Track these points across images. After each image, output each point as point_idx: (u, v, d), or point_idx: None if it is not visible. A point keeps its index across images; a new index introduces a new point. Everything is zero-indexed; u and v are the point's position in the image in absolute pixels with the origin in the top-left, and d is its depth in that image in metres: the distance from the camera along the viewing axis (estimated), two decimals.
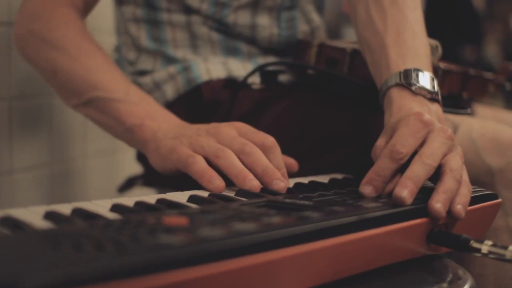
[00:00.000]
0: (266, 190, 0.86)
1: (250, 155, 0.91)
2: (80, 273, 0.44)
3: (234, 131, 0.95)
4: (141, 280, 0.46)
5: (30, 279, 0.41)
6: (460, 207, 0.78)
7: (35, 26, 1.11)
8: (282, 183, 0.88)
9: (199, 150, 0.92)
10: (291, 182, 0.92)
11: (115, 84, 1.07)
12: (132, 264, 0.46)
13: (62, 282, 0.42)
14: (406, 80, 0.94)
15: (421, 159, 0.80)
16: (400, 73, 0.95)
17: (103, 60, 1.10)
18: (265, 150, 0.93)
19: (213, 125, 0.97)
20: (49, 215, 0.64)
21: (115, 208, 0.69)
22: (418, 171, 0.79)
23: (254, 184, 0.87)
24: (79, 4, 1.16)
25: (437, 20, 4.95)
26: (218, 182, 0.86)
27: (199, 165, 0.89)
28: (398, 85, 0.95)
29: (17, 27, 1.15)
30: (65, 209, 0.67)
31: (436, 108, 0.94)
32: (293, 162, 1.03)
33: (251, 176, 0.88)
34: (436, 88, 0.96)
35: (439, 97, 0.96)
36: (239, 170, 0.89)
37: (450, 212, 0.78)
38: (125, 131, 1.05)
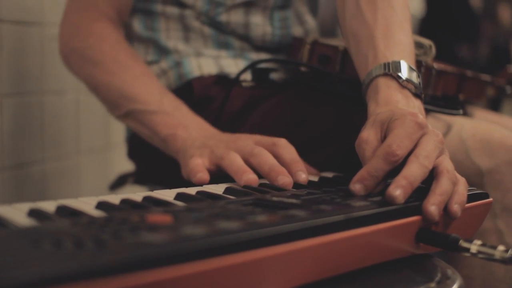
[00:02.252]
0: (253, 188, 0.86)
1: (257, 156, 0.95)
2: (59, 271, 0.43)
3: (250, 141, 1.00)
4: (121, 279, 0.46)
5: (7, 277, 0.41)
6: (457, 207, 0.78)
7: (74, 44, 1.18)
8: (288, 178, 0.90)
9: (213, 158, 0.99)
10: None
11: (150, 96, 1.12)
12: (112, 262, 0.46)
13: (39, 281, 0.42)
14: (395, 71, 0.94)
15: (418, 160, 0.79)
16: (388, 63, 0.95)
17: (139, 71, 1.15)
18: (277, 147, 0.97)
19: (233, 137, 1.02)
20: (33, 213, 0.63)
21: (100, 205, 0.69)
22: (415, 172, 0.77)
23: (250, 177, 0.90)
24: (113, 16, 1.21)
25: (434, 19, 4.95)
26: (201, 176, 0.95)
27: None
28: (386, 75, 0.95)
29: (61, 45, 1.22)
30: (49, 206, 0.67)
31: (418, 104, 0.94)
32: (312, 170, 1.03)
33: (249, 170, 0.92)
34: (421, 85, 0.96)
35: (422, 94, 0.96)
36: (238, 166, 0.93)
37: (446, 211, 0.77)
38: (161, 142, 1.10)
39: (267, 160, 0.94)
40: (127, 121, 1.15)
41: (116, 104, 1.14)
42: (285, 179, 0.90)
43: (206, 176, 0.95)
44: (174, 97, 1.13)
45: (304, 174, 0.94)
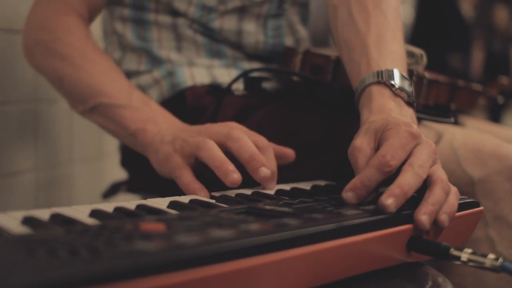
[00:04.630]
0: (247, 196, 0.87)
1: (236, 140, 0.93)
2: (53, 279, 0.43)
3: (224, 127, 0.97)
4: (115, 287, 0.46)
5: (1, 285, 0.41)
6: (445, 216, 0.78)
7: (41, 36, 1.15)
8: (268, 170, 0.90)
9: (187, 150, 0.96)
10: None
11: (118, 90, 1.09)
12: (106, 270, 0.46)
13: None
14: (388, 79, 0.95)
15: (412, 169, 0.79)
16: (381, 72, 0.96)
17: (107, 66, 1.13)
18: (251, 134, 0.96)
19: (205, 126, 1.00)
20: (27, 220, 0.64)
21: (94, 213, 0.69)
22: (410, 181, 0.78)
23: (235, 177, 0.89)
24: (83, 12, 1.19)
25: (425, 28, 4.96)
26: (203, 195, 0.90)
27: (185, 178, 0.94)
28: (379, 83, 0.96)
29: (25, 37, 1.18)
30: (43, 214, 0.67)
31: (411, 112, 0.95)
32: (290, 152, 1.04)
33: (232, 167, 0.90)
34: (413, 93, 0.97)
35: (415, 103, 0.97)
36: (221, 161, 0.91)
37: (434, 220, 0.78)
38: (129, 136, 1.08)
39: (247, 146, 0.92)
40: (93, 116, 1.12)
41: (82, 98, 1.11)
42: (265, 172, 0.89)
43: (207, 194, 0.91)
44: (142, 93, 1.11)
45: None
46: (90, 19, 1.22)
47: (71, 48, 1.12)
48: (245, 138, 0.93)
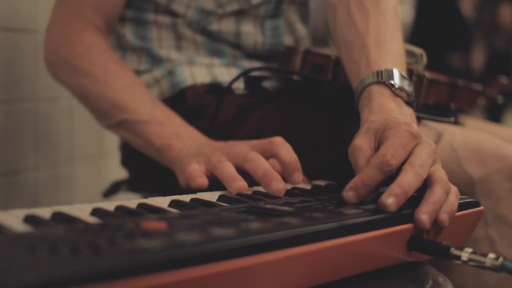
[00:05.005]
0: (248, 195, 0.87)
1: (251, 161, 0.95)
2: (55, 276, 0.44)
3: (246, 147, 1.00)
4: (116, 284, 0.46)
5: (3, 283, 0.41)
6: (445, 216, 0.78)
7: (62, 53, 1.16)
8: (281, 184, 0.90)
9: (208, 166, 0.99)
10: None
11: (142, 105, 1.11)
12: (107, 268, 0.46)
13: (36, 286, 0.42)
14: (388, 79, 0.95)
15: (412, 168, 0.79)
16: (381, 71, 0.96)
17: (130, 81, 1.14)
18: (273, 147, 0.98)
19: (228, 144, 1.02)
20: (28, 219, 0.64)
21: (95, 212, 0.69)
22: (410, 180, 0.78)
23: (239, 184, 0.91)
24: (101, 25, 1.20)
25: (425, 28, 4.96)
26: (200, 180, 0.96)
27: (192, 169, 0.98)
28: (379, 83, 0.96)
29: (46, 52, 1.20)
30: (45, 212, 0.67)
31: (411, 112, 0.95)
32: (305, 180, 1.03)
33: (239, 178, 0.92)
34: (413, 93, 0.97)
35: (414, 102, 0.97)
36: (229, 174, 0.94)
37: (435, 219, 0.78)
38: (155, 151, 1.09)
39: (261, 164, 0.94)
40: (119, 131, 1.14)
41: (107, 114, 1.13)
42: (278, 185, 0.90)
43: (205, 180, 0.95)
44: (166, 107, 1.12)
45: (300, 175, 0.96)
46: (108, 30, 1.23)
47: (93, 65, 1.14)
48: (259, 159, 0.96)
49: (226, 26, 1.25)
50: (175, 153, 1.05)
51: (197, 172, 0.97)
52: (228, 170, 0.95)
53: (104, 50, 1.16)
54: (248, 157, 0.96)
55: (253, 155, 0.96)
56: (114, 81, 1.12)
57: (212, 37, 1.25)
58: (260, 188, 0.94)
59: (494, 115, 5.01)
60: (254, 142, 1.01)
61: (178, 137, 1.07)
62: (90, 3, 1.18)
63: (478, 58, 5.51)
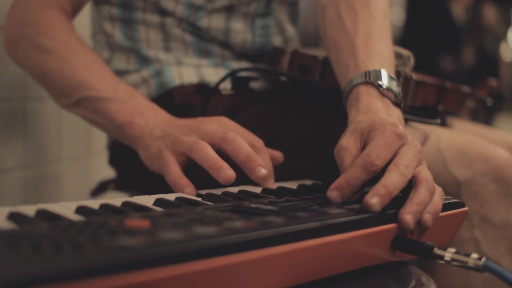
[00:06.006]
0: (233, 195, 0.87)
1: (232, 142, 0.93)
2: (36, 273, 0.44)
3: (217, 125, 0.97)
4: (98, 281, 0.46)
5: None
6: (428, 216, 0.78)
7: (24, 30, 1.13)
8: (265, 170, 0.90)
9: (179, 149, 0.96)
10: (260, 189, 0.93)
11: (103, 83, 1.09)
12: (89, 265, 0.47)
13: (17, 282, 0.43)
14: (375, 79, 0.95)
15: (397, 169, 0.79)
16: (369, 72, 0.96)
17: (92, 59, 1.12)
18: (246, 134, 0.97)
19: (197, 121, 1.00)
20: (12, 216, 0.64)
21: (80, 210, 0.70)
22: (395, 180, 0.78)
23: (228, 174, 0.89)
24: (66, 7, 1.18)
25: (416, 31, 4.97)
26: (189, 191, 0.91)
27: (173, 174, 0.94)
28: (366, 83, 0.96)
29: (7, 31, 1.16)
30: (29, 210, 0.67)
31: (398, 113, 0.96)
32: (278, 154, 1.04)
33: (225, 166, 0.90)
34: (401, 94, 0.97)
35: (402, 103, 0.97)
36: (213, 160, 0.91)
37: (419, 219, 0.78)
38: (116, 129, 1.07)
39: (243, 148, 0.92)
40: (78, 110, 1.11)
41: (67, 92, 1.10)
42: (263, 172, 0.90)
43: (194, 191, 0.91)
44: (128, 85, 1.11)
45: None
46: (73, 14, 1.20)
47: (55, 42, 1.11)
48: (240, 140, 0.94)
49: (216, 23, 1.25)
50: (137, 131, 1.04)
51: (182, 180, 0.93)
52: (209, 154, 0.92)
53: (68, 29, 1.14)
54: (227, 137, 0.94)
55: (233, 136, 0.94)
56: (76, 59, 1.10)
57: (201, 35, 1.25)
58: (249, 188, 0.94)
59: (483, 117, 5.02)
60: (228, 122, 1.00)
61: (140, 114, 1.05)
62: None
63: (468, 60, 5.52)
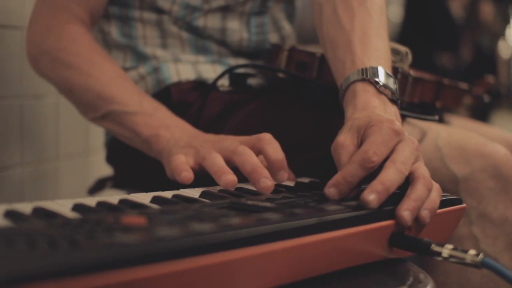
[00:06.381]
0: (231, 192, 0.87)
1: (240, 154, 0.94)
2: (32, 270, 0.44)
3: (235, 141, 0.99)
4: (94, 278, 0.46)
5: None
6: (426, 212, 0.78)
7: (46, 46, 1.15)
8: (270, 182, 0.90)
9: (197, 159, 0.99)
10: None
11: (129, 97, 1.10)
12: (85, 262, 0.46)
13: (13, 279, 0.42)
14: (372, 76, 0.95)
15: (395, 165, 0.79)
16: (366, 69, 0.97)
17: (115, 73, 1.13)
18: (261, 143, 0.97)
19: (218, 138, 1.02)
20: (8, 214, 0.64)
21: (76, 207, 0.70)
22: (392, 177, 0.78)
23: (229, 178, 0.91)
24: (85, 18, 1.19)
25: (414, 28, 4.98)
26: (185, 174, 0.94)
27: (176, 161, 0.97)
28: (363, 80, 0.96)
29: (29, 45, 1.18)
30: (26, 208, 0.67)
31: (395, 110, 0.96)
32: (290, 175, 1.03)
33: (228, 171, 0.92)
34: (397, 91, 0.97)
35: (399, 100, 0.97)
36: (218, 167, 0.93)
37: (416, 216, 0.78)
38: (142, 142, 1.09)
39: (250, 159, 0.93)
40: (105, 123, 1.13)
41: (93, 106, 1.12)
42: (267, 182, 0.89)
43: (190, 175, 0.94)
44: (153, 99, 1.12)
45: (285, 174, 0.96)
46: (92, 23, 1.22)
47: (77, 57, 1.13)
48: (249, 153, 0.95)
49: (212, 22, 1.25)
50: (163, 144, 1.05)
51: (183, 165, 0.96)
52: (217, 162, 0.94)
53: (89, 43, 1.15)
54: (237, 150, 0.95)
55: (242, 149, 0.95)
56: (99, 73, 1.11)
57: (198, 33, 1.25)
58: (246, 185, 0.94)
59: (480, 114, 5.02)
60: (243, 138, 1.00)
61: (166, 128, 1.06)
62: None
63: (466, 57, 5.53)
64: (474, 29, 5.79)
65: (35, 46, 1.17)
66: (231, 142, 0.99)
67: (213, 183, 0.93)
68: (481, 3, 5.99)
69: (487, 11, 6.04)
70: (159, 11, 1.23)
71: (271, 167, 0.96)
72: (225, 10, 1.25)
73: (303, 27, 1.57)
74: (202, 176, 0.97)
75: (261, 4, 1.28)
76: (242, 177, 0.94)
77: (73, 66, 1.12)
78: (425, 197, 0.79)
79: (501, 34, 6.37)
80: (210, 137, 1.03)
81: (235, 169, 0.94)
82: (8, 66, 1.43)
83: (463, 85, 1.50)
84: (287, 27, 1.36)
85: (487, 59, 5.86)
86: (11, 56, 1.43)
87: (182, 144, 1.02)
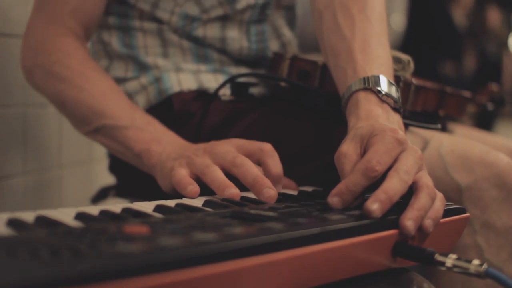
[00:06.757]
0: (234, 201, 0.87)
1: (240, 166, 0.94)
2: (34, 279, 0.43)
3: (230, 147, 0.98)
4: (96, 287, 0.46)
5: None
6: (429, 222, 0.78)
7: (39, 59, 1.15)
8: (273, 191, 0.89)
9: (192, 169, 0.97)
10: None
11: (121, 111, 1.10)
12: (87, 271, 0.46)
13: None
14: (374, 85, 0.95)
15: (398, 175, 0.79)
16: (368, 78, 0.96)
17: (108, 87, 1.13)
18: (263, 155, 0.97)
19: (210, 144, 1.01)
20: (11, 222, 0.64)
21: (79, 216, 0.69)
22: (395, 186, 0.78)
23: (232, 192, 0.90)
24: (79, 31, 1.19)
25: (417, 37, 4.97)
26: (191, 188, 0.92)
27: (178, 175, 0.95)
28: (365, 89, 0.96)
29: (23, 59, 1.19)
30: (28, 216, 0.67)
31: (398, 118, 0.95)
32: (292, 184, 1.04)
33: (231, 185, 0.91)
34: (400, 99, 0.97)
35: (401, 109, 0.97)
36: (220, 181, 0.92)
37: (419, 225, 0.78)
38: (134, 157, 1.09)
39: (250, 170, 0.93)
40: (97, 137, 1.13)
41: (85, 120, 1.12)
42: (270, 192, 0.89)
43: (196, 188, 0.93)
44: (145, 113, 1.12)
45: (280, 187, 0.97)
46: (86, 37, 1.22)
47: (70, 70, 1.13)
48: (249, 164, 0.94)
49: (211, 32, 1.25)
50: (155, 158, 1.04)
51: (186, 179, 0.94)
52: (217, 176, 0.93)
53: (82, 57, 1.15)
54: (236, 162, 0.94)
55: (242, 160, 0.95)
56: (92, 87, 1.11)
57: (198, 42, 1.25)
58: (248, 194, 0.94)
59: (484, 122, 5.02)
60: (239, 142, 1.00)
61: (157, 142, 1.06)
62: (68, 9, 1.17)
63: (469, 66, 5.52)
64: (478, 36, 5.79)
65: (28, 59, 1.17)
66: (226, 148, 0.98)
67: (212, 190, 0.93)
68: (487, 10, 5.98)
69: (494, 17, 6.03)
70: (159, 21, 1.23)
71: (270, 180, 0.95)
72: (224, 19, 1.25)
73: (305, 34, 1.57)
74: (200, 185, 0.97)
75: (260, 12, 1.28)
76: (242, 185, 0.93)
77: (65, 79, 1.12)
78: (429, 207, 0.79)
79: (506, 41, 6.36)
80: (201, 144, 1.02)
81: (235, 178, 0.94)
82: (11, 74, 1.43)
83: (466, 93, 1.49)
84: (287, 34, 1.36)
85: (492, 67, 5.85)
86: (14, 65, 1.43)
87: (174, 156, 1.01)
